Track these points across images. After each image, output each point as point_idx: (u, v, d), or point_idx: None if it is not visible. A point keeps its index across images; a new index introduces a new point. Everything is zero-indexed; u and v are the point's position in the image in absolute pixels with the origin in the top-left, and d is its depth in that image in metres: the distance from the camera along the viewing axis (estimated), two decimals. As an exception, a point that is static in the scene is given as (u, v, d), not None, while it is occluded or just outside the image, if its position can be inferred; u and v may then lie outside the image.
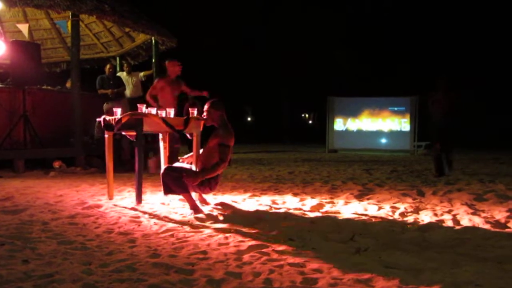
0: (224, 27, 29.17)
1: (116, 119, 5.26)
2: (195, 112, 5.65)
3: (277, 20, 31.88)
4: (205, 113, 5.18)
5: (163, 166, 5.84)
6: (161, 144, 6.04)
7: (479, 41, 28.27)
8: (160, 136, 6.00)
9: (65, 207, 5.24)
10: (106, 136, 5.69)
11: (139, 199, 5.37)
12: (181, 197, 5.35)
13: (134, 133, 5.37)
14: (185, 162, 5.52)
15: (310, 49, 31.47)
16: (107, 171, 5.82)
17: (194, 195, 5.17)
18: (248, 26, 31.35)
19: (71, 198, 5.91)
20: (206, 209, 5.08)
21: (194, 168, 5.18)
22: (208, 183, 4.99)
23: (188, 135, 5.71)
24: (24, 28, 11.40)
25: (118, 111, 5.38)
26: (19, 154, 8.93)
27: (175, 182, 4.86)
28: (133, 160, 10.15)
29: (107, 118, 5.46)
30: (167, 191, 4.94)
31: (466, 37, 28.38)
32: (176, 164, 5.37)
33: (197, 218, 4.60)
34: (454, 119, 8.70)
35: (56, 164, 9.23)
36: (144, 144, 11.74)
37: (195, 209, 4.90)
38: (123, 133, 5.75)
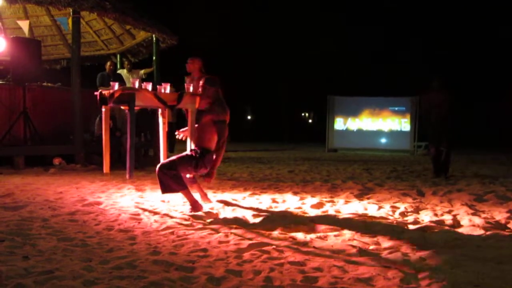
0: (224, 24, 29.14)
1: (109, 93, 5.22)
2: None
3: (277, 19, 31.87)
4: (200, 89, 5.20)
5: (162, 144, 5.77)
6: (160, 119, 5.86)
7: (480, 40, 28.27)
8: (159, 111, 5.84)
9: (65, 204, 5.24)
10: (103, 109, 5.63)
11: (130, 173, 5.25)
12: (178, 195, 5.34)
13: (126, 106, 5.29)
14: (181, 135, 5.56)
15: (310, 48, 31.47)
16: (104, 144, 5.75)
17: (197, 196, 5.17)
18: (248, 24, 31.33)
19: (71, 195, 5.91)
20: (206, 207, 5.08)
21: (188, 149, 5.17)
22: (202, 163, 4.98)
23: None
24: (24, 25, 11.37)
25: (115, 85, 5.29)
26: (19, 150, 8.92)
27: (172, 180, 4.83)
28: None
29: (103, 92, 5.40)
30: (165, 189, 4.88)
31: (467, 36, 28.38)
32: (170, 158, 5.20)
33: (197, 216, 4.60)
34: (451, 119, 8.64)
35: (56, 161, 9.23)
36: (143, 141, 11.78)
37: (195, 206, 4.90)
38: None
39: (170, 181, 4.83)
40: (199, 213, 4.75)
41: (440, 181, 7.94)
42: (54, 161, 9.22)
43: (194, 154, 5.01)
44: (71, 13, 9.92)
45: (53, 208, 4.95)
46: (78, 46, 10.09)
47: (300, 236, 3.84)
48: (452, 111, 8.61)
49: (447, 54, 28.35)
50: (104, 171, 5.78)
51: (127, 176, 5.27)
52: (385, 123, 18.68)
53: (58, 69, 14.20)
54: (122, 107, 6.03)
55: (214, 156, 5.04)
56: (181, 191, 4.93)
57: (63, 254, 3.21)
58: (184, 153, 5.13)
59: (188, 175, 5.20)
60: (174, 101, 5.31)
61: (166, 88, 5.43)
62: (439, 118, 8.60)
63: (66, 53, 13.77)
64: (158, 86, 5.49)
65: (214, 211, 4.91)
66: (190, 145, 5.22)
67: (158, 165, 4.94)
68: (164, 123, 5.87)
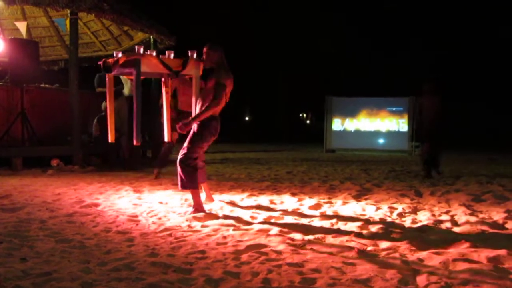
0: (222, 24, 29.13)
1: (114, 60, 5.15)
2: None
3: (275, 20, 31.89)
4: (204, 56, 5.10)
5: (165, 116, 5.62)
6: (163, 89, 5.73)
7: (478, 40, 28.31)
8: (162, 79, 5.69)
9: (63, 205, 5.24)
10: (106, 79, 5.58)
11: (137, 138, 5.08)
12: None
13: (130, 76, 5.20)
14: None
15: (308, 48, 31.50)
16: (109, 114, 5.66)
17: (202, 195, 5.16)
18: (246, 24, 31.31)
19: (69, 196, 5.90)
20: (206, 208, 5.08)
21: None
22: (209, 133, 4.95)
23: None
24: (22, 26, 11.37)
25: (119, 54, 5.14)
26: (17, 152, 8.91)
27: (189, 176, 4.87)
28: (131, 159, 10.21)
29: (107, 60, 5.33)
30: (183, 186, 4.95)
31: (465, 36, 28.42)
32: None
33: (195, 218, 4.60)
34: (439, 123, 8.59)
35: (54, 162, 9.22)
36: (142, 141, 11.77)
37: (199, 208, 4.90)
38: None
39: (187, 177, 4.87)
40: (199, 214, 4.75)
41: (437, 181, 7.94)
42: (52, 162, 9.21)
43: (197, 129, 4.95)
44: (69, 14, 9.92)
45: (51, 209, 4.95)
46: (76, 47, 10.08)
47: (298, 237, 3.85)
48: (439, 116, 8.57)
49: (446, 54, 28.36)
50: (110, 140, 5.69)
51: (134, 142, 5.10)
52: (382, 124, 18.67)
53: (56, 70, 14.17)
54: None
55: (197, 111, 4.96)
56: (192, 190, 4.94)
57: (61, 256, 3.21)
58: (189, 135, 5.06)
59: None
60: (179, 67, 5.15)
61: (170, 55, 5.23)
62: (428, 121, 8.66)
63: (64, 54, 13.75)
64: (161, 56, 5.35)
65: (213, 212, 4.92)
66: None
67: (178, 160, 4.95)
68: (167, 93, 5.72)
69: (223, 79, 4.91)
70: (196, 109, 5.07)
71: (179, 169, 4.94)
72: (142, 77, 5.27)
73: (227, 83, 4.94)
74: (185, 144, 5.01)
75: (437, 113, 8.56)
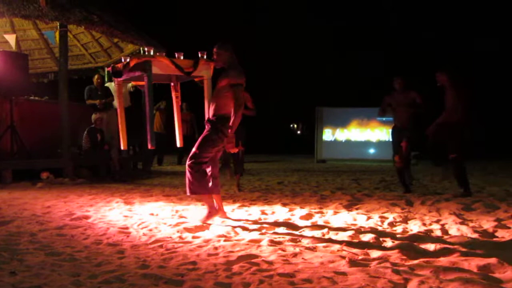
0: (212, 33, 29.22)
1: (123, 64, 5.06)
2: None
3: (265, 31, 32.00)
4: (214, 56, 5.01)
5: (176, 121, 5.60)
6: (173, 94, 5.67)
7: (464, 50, 28.52)
8: (172, 85, 5.63)
9: (53, 218, 5.20)
10: (116, 84, 5.49)
11: (151, 142, 5.07)
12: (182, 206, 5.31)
13: (143, 82, 5.07)
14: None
15: (299, 59, 31.63)
16: (120, 120, 5.63)
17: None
18: (235, 35, 31.42)
19: (59, 209, 5.86)
20: (196, 219, 5.06)
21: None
22: (221, 135, 4.83)
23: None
24: (11, 38, 11.34)
25: (127, 58, 5.11)
26: (6, 165, 8.85)
27: (198, 181, 4.82)
28: (122, 171, 10.18)
29: (116, 65, 5.26)
30: (191, 191, 4.88)
31: (456, 43, 28.61)
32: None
33: (186, 229, 4.59)
34: (410, 128, 7.70)
35: (44, 175, 9.16)
36: (132, 153, 11.75)
37: (211, 214, 4.89)
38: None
39: (196, 181, 4.81)
40: (189, 225, 4.74)
41: (428, 191, 7.93)
42: (42, 175, 9.15)
43: (208, 132, 4.88)
44: (58, 26, 9.92)
45: (40, 222, 4.92)
46: (66, 59, 10.07)
47: (289, 247, 3.84)
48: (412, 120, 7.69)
49: (437, 63, 28.49)
50: (122, 148, 5.67)
51: (149, 145, 5.08)
52: (373, 134, 18.75)
53: (46, 82, 14.12)
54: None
55: (210, 113, 4.89)
56: (204, 195, 4.90)
57: (51, 269, 3.19)
58: (200, 138, 4.97)
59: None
60: (190, 68, 5.09)
61: (180, 57, 5.20)
62: (399, 122, 7.79)
63: (53, 67, 13.72)
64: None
65: (204, 224, 4.90)
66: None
67: (188, 162, 4.87)
68: (177, 97, 5.67)
69: (238, 79, 4.82)
70: (209, 111, 4.99)
71: (187, 173, 4.87)
72: (142, 83, 5.24)
73: (243, 82, 4.87)
74: (194, 149, 4.91)
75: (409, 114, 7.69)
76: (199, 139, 4.94)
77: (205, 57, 5.16)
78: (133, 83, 11.94)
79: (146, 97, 4.99)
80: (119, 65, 5.18)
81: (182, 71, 5.04)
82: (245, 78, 4.90)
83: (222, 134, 4.84)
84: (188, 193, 4.99)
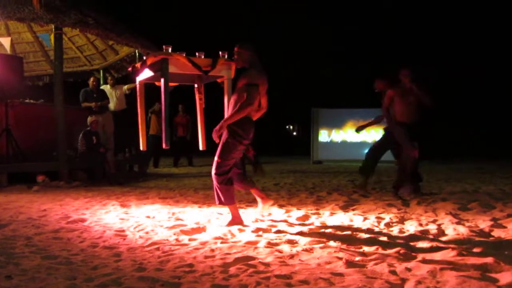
0: (207, 33, 29.21)
1: (140, 63, 5.00)
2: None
3: (262, 34, 32.02)
4: (235, 55, 4.93)
5: (199, 123, 5.54)
6: (196, 96, 5.54)
7: (457, 53, 28.60)
8: (195, 86, 5.50)
9: (49, 221, 5.18)
10: (137, 85, 5.44)
11: (166, 142, 4.97)
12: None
13: (159, 83, 4.93)
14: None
15: (294, 60, 31.63)
16: (140, 121, 5.59)
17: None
18: (231, 37, 31.41)
19: (55, 212, 5.85)
20: (192, 222, 5.05)
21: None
22: (240, 138, 4.75)
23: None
24: (6, 41, 11.30)
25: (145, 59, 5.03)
26: (1, 168, 8.83)
27: (225, 193, 4.82)
28: (118, 173, 10.16)
29: (135, 65, 5.21)
30: (220, 201, 4.89)
31: (450, 46, 28.68)
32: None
33: (183, 231, 4.58)
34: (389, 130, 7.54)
35: (40, 178, 9.14)
36: (128, 156, 11.73)
37: (236, 219, 4.92)
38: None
39: (223, 193, 4.81)
40: (186, 228, 4.73)
41: (425, 191, 7.89)
42: (37, 178, 9.13)
43: (225, 137, 4.78)
44: (53, 29, 9.90)
45: (36, 226, 4.90)
46: (61, 62, 10.06)
47: (286, 249, 3.84)
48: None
49: (433, 65, 28.54)
50: (142, 148, 5.66)
51: (163, 145, 5.01)
52: (369, 134, 18.77)
53: (41, 85, 14.11)
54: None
55: (228, 114, 4.81)
56: (229, 205, 4.92)
57: (47, 273, 3.17)
58: (220, 145, 4.85)
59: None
60: (208, 67, 4.96)
61: (201, 56, 5.06)
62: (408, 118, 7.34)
63: (48, 70, 13.71)
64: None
65: (200, 226, 4.89)
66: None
67: (212, 173, 4.84)
68: (200, 99, 5.55)
69: (255, 79, 4.74)
70: (228, 112, 4.93)
71: (214, 184, 4.86)
72: (174, 84, 5.20)
73: (259, 83, 4.77)
74: (216, 157, 4.83)
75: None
76: (219, 146, 4.83)
77: (226, 56, 5.07)
78: (128, 85, 12.02)
79: (162, 97, 4.89)
80: (137, 65, 5.14)
81: (200, 69, 4.93)
82: (265, 79, 4.82)
83: (239, 136, 4.77)
84: (217, 203, 4.97)
